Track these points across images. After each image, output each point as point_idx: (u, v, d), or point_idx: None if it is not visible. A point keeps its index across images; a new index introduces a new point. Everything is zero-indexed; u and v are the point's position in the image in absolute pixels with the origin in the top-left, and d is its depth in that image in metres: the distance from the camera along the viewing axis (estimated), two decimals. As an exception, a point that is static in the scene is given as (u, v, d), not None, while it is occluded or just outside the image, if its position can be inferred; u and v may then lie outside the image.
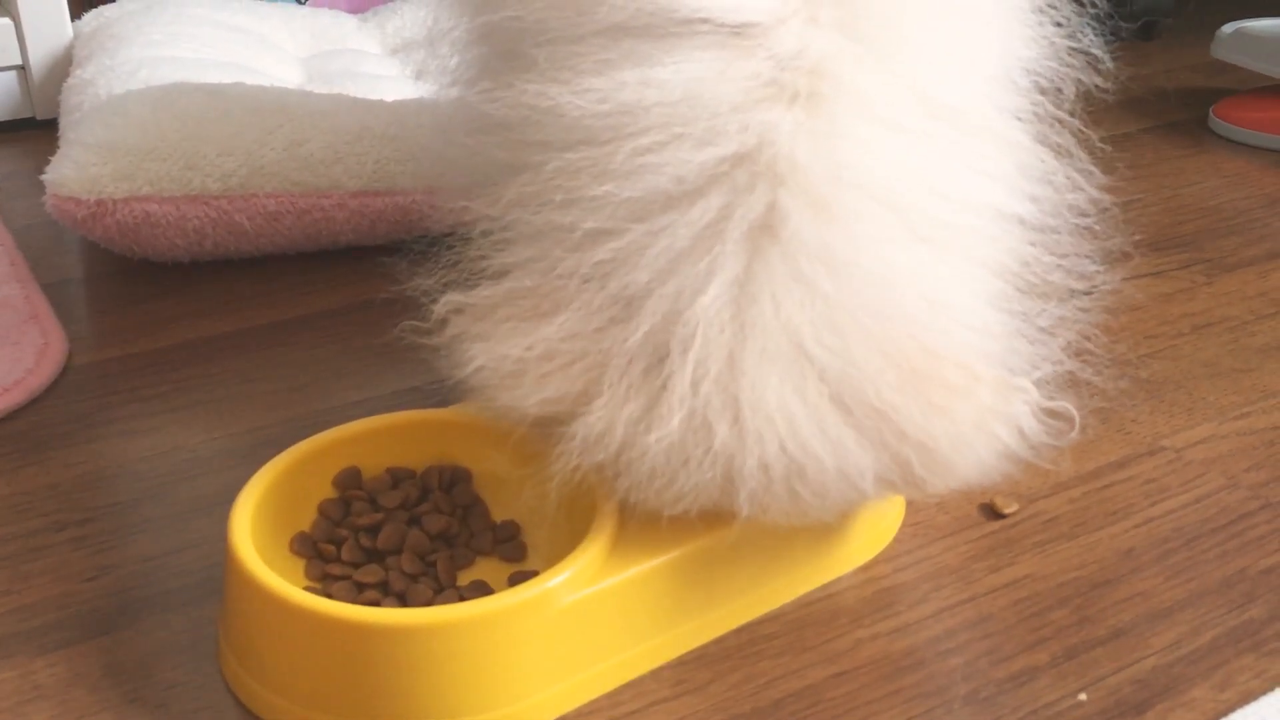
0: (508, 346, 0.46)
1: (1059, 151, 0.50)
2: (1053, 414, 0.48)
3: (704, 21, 0.45)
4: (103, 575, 0.53)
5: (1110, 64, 0.51)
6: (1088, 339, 0.51)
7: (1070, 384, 0.50)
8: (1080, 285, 0.51)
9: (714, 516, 0.47)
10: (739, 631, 0.51)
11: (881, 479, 0.45)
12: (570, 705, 0.47)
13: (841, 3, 0.46)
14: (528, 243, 0.47)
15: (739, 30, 0.45)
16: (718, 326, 0.43)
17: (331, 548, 0.51)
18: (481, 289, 0.47)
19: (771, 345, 0.43)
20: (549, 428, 0.46)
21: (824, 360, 0.44)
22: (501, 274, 0.47)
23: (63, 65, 1.01)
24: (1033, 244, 0.49)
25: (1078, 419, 0.49)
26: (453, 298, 0.47)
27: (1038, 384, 0.47)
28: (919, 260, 0.45)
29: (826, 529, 0.52)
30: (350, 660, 0.45)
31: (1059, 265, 0.50)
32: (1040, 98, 0.50)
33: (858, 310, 0.44)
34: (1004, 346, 0.48)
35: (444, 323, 0.48)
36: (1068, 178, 0.50)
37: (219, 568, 0.54)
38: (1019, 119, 0.50)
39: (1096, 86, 0.51)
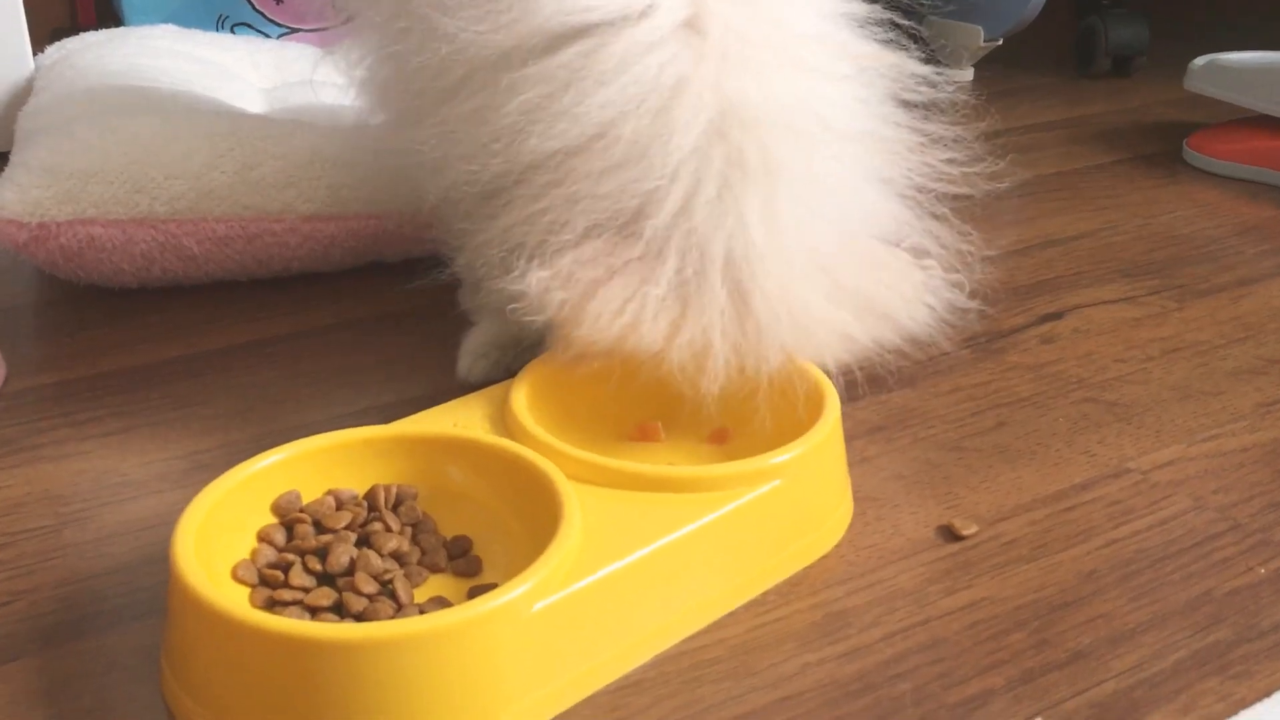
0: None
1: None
2: (954, 283, 0.65)
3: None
4: (15, 601, 0.51)
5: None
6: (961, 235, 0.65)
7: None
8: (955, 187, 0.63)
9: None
10: (680, 655, 0.48)
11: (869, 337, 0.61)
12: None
13: None
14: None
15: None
16: (758, 253, 0.55)
17: (277, 573, 0.48)
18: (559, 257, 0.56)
19: (800, 266, 0.57)
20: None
21: (834, 269, 0.58)
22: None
23: (22, 98, 1.00)
24: (911, 156, 0.62)
25: (968, 285, 0.66)
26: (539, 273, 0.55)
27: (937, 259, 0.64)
28: (841, 178, 0.59)
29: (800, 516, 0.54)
30: (324, 681, 0.42)
31: (938, 173, 0.63)
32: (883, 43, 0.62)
33: (835, 229, 0.59)
34: (911, 234, 0.63)
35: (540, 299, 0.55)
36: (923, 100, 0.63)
37: (139, 592, 0.51)
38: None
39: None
